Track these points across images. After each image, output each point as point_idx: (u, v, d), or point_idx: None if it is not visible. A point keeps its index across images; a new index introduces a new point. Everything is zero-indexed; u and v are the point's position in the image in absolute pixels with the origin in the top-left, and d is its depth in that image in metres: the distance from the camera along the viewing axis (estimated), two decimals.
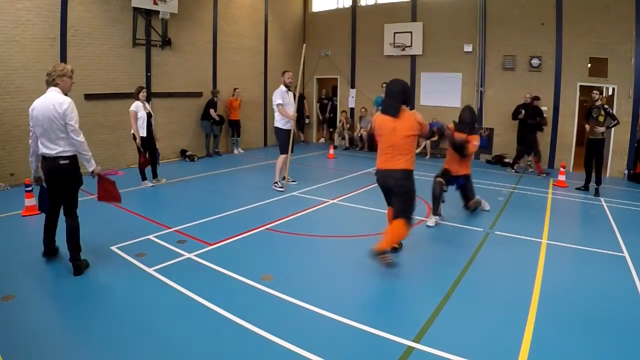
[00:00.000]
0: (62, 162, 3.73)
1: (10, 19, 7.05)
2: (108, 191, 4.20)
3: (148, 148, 7.21)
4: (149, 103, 7.66)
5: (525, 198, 7.31)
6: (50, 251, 4.12)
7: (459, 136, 5.57)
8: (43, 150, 3.75)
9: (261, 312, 3.25)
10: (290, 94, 7.35)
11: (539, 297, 3.58)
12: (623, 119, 9.19)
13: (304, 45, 7.13)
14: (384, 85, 7.16)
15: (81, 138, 3.74)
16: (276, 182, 7.28)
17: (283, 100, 7.15)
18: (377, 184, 4.26)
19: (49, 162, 3.75)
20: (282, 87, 7.25)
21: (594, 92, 7.51)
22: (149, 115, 7.19)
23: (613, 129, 7.95)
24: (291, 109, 7.27)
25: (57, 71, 3.74)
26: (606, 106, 7.37)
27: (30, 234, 4.99)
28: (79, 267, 3.82)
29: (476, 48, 10.96)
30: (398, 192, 4.08)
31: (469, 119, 5.74)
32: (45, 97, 3.70)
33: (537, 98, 9.43)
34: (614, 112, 9.24)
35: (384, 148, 4.08)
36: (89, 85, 8.28)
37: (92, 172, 3.96)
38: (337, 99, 14.15)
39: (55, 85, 3.75)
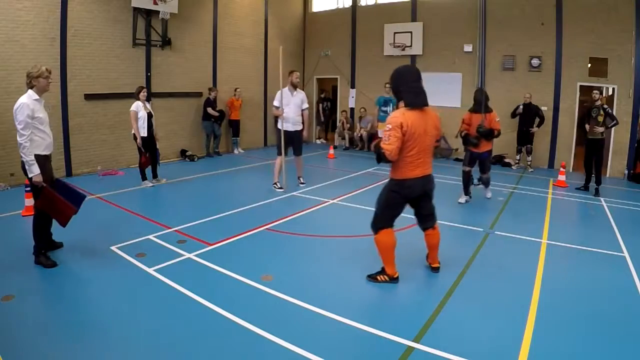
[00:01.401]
0: (21, 160, 3.88)
1: (10, 19, 7.05)
2: (53, 205, 3.96)
3: (149, 148, 7.19)
4: (149, 103, 7.65)
5: (525, 198, 7.31)
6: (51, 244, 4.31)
7: (477, 122, 6.36)
8: None
9: (261, 312, 3.25)
10: (296, 93, 7.19)
11: (539, 297, 3.58)
12: (623, 119, 9.19)
13: (281, 47, 7.11)
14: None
15: (22, 140, 3.77)
16: (275, 183, 7.26)
17: (283, 101, 7.00)
18: (398, 195, 3.64)
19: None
20: (285, 88, 7.12)
21: (594, 92, 7.51)
22: (150, 115, 7.17)
23: (613, 129, 7.95)
24: (292, 108, 7.10)
25: (32, 73, 3.87)
26: (605, 106, 7.38)
27: (30, 234, 4.98)
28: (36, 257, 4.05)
29: (476, 48, 10.96)
30: (430, 196, 3.81)
31: (480, 99, 6.38)
32: None
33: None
34: (614, 112, 9.25)
35: (416, 153, 3.48)
36: (89, 85, 8.28)
37: (31, 180, 3.88)
38: (330, 103, 14.33)
39: (31, 88, 3.89)
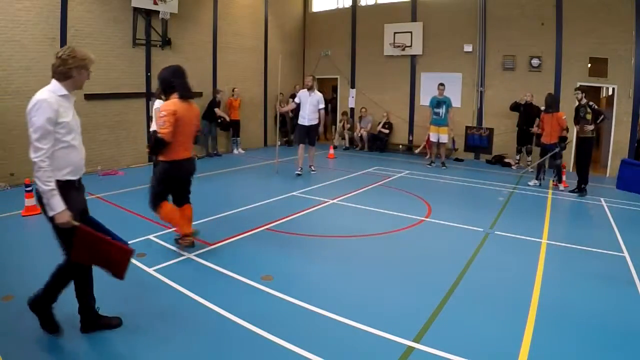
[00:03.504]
0: (36, 188, 2.55)
1: (10, 19, 7.05)
2: (98, 252, 2.68)
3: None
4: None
5: (525, 198, 7.31)
6: (86, 324, 2.90)
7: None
8: None
9: (261, 312, 3.25)
10: (312, 93, 8.36)
11: (539, 297, 3.58)
12: (623, 119, 9.21)
13: (280, 56, 7.49)
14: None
15: (37, 157, 2.43)
16: (300, 168, 8.61)
17: (299, 100, 8.43)
18: (169, 174, 4.11)
19: None
20: (304, 89, 8.47)
21: (576, 91, 7.60)
22: None
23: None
24: (308, 107, 8.32)
25: (74, 59, 2.65)
26: (591, 103, 7.41)
27: (30, 234, 4.99)
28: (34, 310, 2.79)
29: (476, 48, 10.96)
30: (191, 177, 4.38)
31: (550, 102, 7.72)
32: None
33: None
34: (614, 112, 9.26)
35: (183, 138, 4.08)
36: (89, 85, 8.08)
37: (52, 219, 2.53)
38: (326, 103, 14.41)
39: (64, 79, 2.65)
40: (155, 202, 4.16)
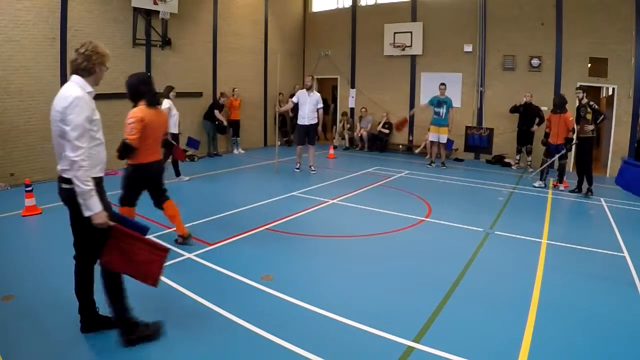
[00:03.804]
0: (64, 185, 2.53)
1: (10, 19, 7.04)
2: (132, 255, 2.58)
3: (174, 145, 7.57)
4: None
5: (525, 198, 7.31)
6: (87, 324, 2.85)
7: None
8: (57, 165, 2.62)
9: (261, 312, 3.25)
10: (311, 93, 8.58)
11: (539, 297, 3.58)
12: (623, 119, 9.21)
13: (279, 56, 7.55)
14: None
15: (77, 155, 2.39)
16: (298, 164, 8.98)
17: (298, 100, 8.64)
18: (137, 177, 4.28)
19: (57, 182, 2.62)
20: (303, 89, 8.69)
21: (577, 91, 7.63)
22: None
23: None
24: (307, 107, 8.54)
25: (97, 54, 2.58)
26: (591, 103, 7.40)
27: (30, 234, 5.00)
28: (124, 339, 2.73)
29: (476, 48, 10.97)
30: (161, 177, 4.57)
31: (558, 102, 7.67)
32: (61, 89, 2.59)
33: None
34: (614, 112, 9.25)
35: (151, 142, 4.22)
36: None
37: (90, 219, 2.48)
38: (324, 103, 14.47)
39: (86, 75, 2.57)
40: (121, 204, 4.33)
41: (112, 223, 2.54)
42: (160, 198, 4.50)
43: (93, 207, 2.44)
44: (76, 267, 2.79)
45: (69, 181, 2.47)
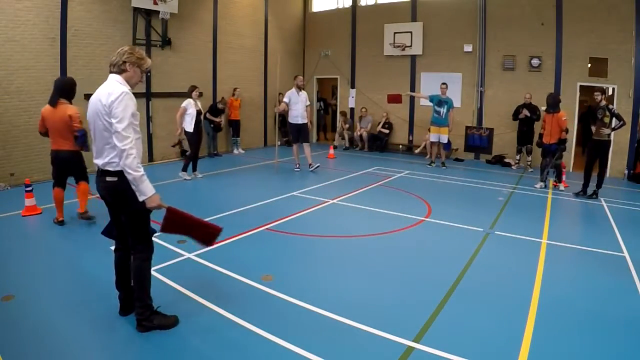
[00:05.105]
0: (108, 178, 2.74)
1: (10, 19, 7.05)
2: (190, 223, 2.99)
3: (195, 143, 7.85)
4: (198, 101, 8.09)
5: (525, 198, 7.31)
6: (124, 307, 3.09)
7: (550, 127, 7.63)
8: (94, 159, 2.83)
9: (261, 312, 3.25)
10: (301, 93, 8.82)
11: (539, 297, 3.58)
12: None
13: (279, 56, 7.66)
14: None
15: (126, 144, 2.57)
16: (297, 164, 9.12)
17: (290, 100, 8.72)
18: (53, 160, 5.17)
19: (97, 177, 2.84)
20: (293, 89, 8.78)
21: (596, 92, 7.13)
22: (199, 113, 7.81)
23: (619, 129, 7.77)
24: (299, 106, 8.74)
25: (139, 57, 2.84)
26: (611, 106, 7.09)
27: (30, 234, 4.99)
28: (141, 324, 2.89)
29: (476, 48, 10.97)
30: (69, 162, 5.27)
31: (552, 102, 7.61)
32: (100, 87, 2.79)
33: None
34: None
35: (51, 134, 5.13)
36: (89, 85, 8.11)
37: (144, 204, 2.69)
38: (324, 103, 14.64)
39: (120, 73, 2.78)
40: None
41: (165, 205, 2.77)
42: (77, 178, 5.34)
43: (146, 191, 2.64)
44: (118, 258, 3.05)
45: (114, 174, 2.71)
